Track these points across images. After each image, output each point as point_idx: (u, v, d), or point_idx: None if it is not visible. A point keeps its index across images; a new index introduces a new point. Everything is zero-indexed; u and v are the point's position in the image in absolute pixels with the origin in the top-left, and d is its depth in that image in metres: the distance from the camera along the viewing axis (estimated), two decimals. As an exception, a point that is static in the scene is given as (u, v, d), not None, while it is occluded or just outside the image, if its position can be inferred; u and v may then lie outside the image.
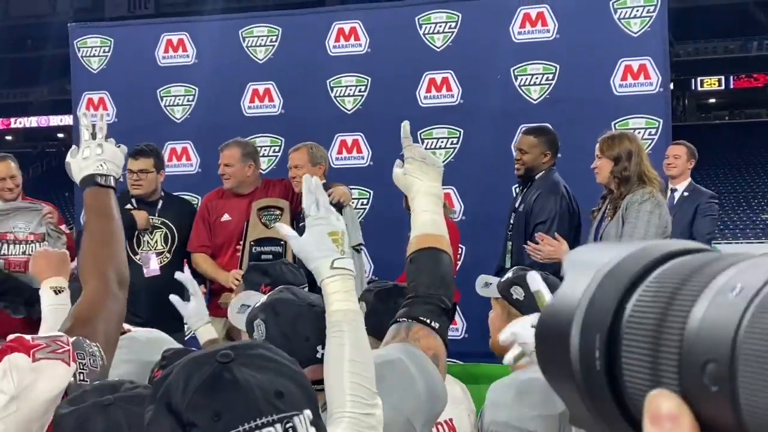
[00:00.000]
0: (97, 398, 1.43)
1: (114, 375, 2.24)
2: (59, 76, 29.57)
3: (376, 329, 1.81)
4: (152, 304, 3.94)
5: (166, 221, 4.56)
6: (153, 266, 4.43)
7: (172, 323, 3.34)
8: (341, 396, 1.37)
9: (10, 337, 1.56)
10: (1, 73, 35.46)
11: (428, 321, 1.65)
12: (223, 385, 0.97)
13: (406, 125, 1.93)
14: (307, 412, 1.00)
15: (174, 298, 2.66)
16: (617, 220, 3.76)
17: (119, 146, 2.02)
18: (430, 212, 1.79)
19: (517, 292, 2.36)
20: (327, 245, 1.48)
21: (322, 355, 1.54)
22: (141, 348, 2.41)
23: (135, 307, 2.81)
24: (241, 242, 4.39)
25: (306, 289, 2.54)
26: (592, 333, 0.50)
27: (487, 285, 2.45)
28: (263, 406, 0.96)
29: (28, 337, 1.55)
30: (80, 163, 1.93)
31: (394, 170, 1.91)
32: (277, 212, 4.40)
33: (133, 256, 4.34)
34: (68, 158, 1.98)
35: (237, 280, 4.20)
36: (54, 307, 2.19)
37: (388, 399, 1.66)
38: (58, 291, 2.24)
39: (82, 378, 1.53)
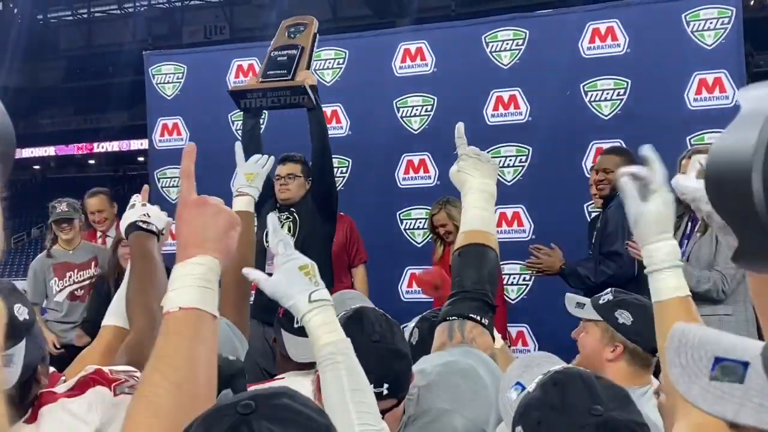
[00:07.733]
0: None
1: None
2: (138, 101, 30.60)
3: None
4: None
5: (294, 211, 4.47)
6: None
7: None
8: (351, 428, 1.34)
9: (89, 368, 1.63)
10: (84, 99, 36.92)
11: (478, 318, 1.64)
12: None
13: (460, 126, 1.95)
14: None
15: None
16: (710, 235, 3.67)
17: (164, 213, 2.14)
18: (480, 209, 1.78)
19: (624, 317, 2.21)
20: (300, 280, 1.46)
21: (380, 392, 1.53)
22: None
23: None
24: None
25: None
26: None
27: (579, 305, 2.29)
28: None
29: (106, 369, 1.61)
30: (126, 213, 2.07)
31: (450, 169, 1.91)
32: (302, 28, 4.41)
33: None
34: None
35: None
36: None
37: (463, 410, 1.64)
38: None
39: None
